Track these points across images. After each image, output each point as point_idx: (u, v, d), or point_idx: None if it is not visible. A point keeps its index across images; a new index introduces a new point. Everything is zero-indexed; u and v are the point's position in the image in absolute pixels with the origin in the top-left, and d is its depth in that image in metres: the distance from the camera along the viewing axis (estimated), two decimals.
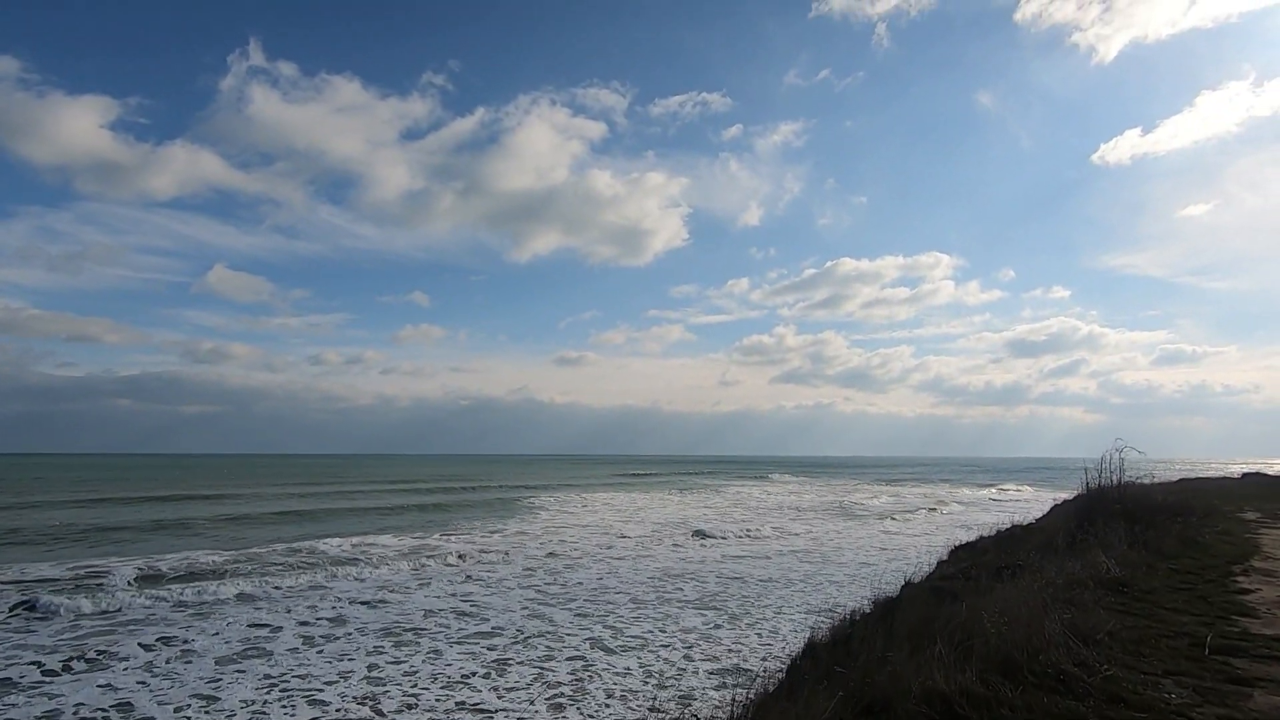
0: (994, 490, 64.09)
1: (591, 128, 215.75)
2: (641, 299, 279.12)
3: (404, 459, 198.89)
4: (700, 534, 28.60)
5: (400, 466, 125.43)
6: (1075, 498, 14.01)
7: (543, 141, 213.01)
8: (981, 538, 16.18)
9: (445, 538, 26.68)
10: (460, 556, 22.18)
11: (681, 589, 17.56)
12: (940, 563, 14.58)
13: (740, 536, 28.44)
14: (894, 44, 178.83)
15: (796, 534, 29.42)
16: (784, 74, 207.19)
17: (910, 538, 28.45)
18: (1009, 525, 15.66)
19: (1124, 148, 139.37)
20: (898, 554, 23.41)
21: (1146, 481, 13.64)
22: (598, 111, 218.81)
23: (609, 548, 24.86)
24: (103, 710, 9.06)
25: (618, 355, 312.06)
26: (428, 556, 21.84)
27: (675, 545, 25.91)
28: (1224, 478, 37.01)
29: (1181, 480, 33.72)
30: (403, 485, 64.03)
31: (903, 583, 10.71)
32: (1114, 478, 11.77)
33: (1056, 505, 19.18)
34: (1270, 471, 37.57)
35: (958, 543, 16.77)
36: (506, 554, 22.95)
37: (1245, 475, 35.63)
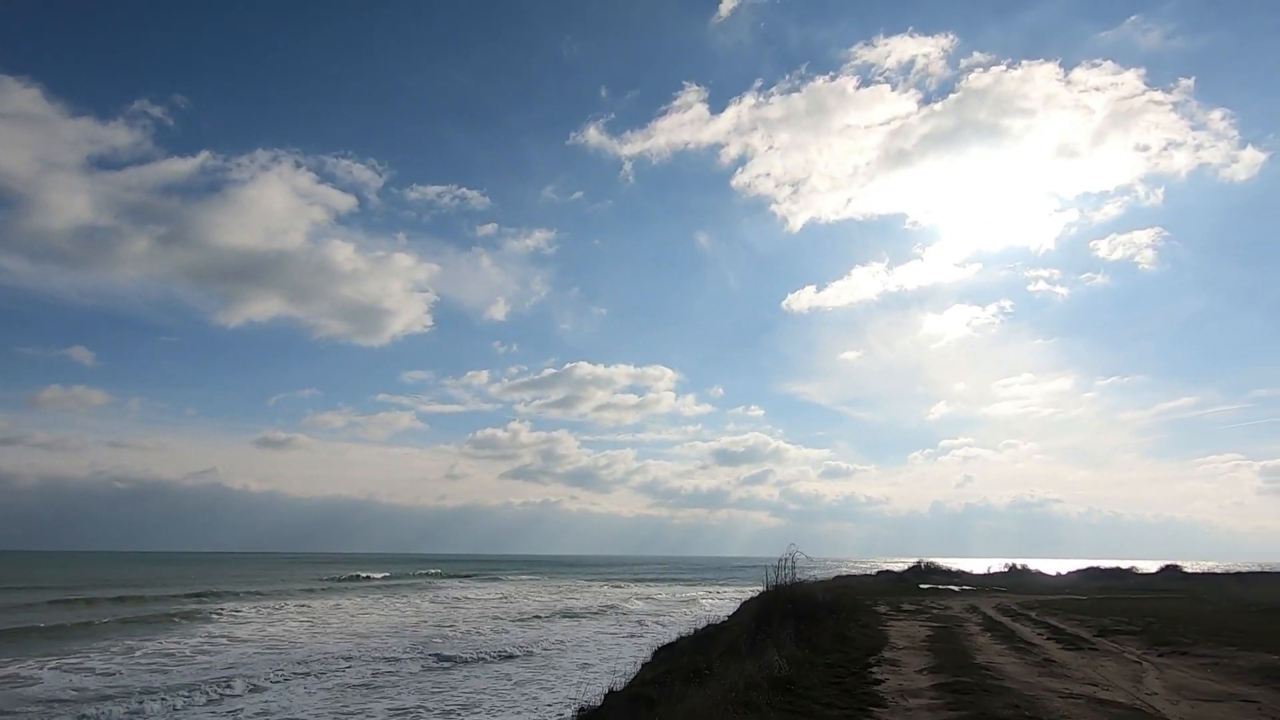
0: (698, 588, 69.31)
1: (339, 199, 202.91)
2: (370, 381, 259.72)
3: (18, 557, 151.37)
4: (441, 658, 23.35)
5: (11, 567, 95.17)
6: (758, 596, 15.65)
7: (278, 201, 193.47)
8: (681, 637, 17.15)
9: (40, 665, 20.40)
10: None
11: None
12: (645, 665, 15.02)
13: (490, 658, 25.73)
14: (638, 183, 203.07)
15: (530, 642, 28.30)
16: (542, 187, 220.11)
17: (623, 638, 29.09)
18: (704, 624, 16.88)
19: (804, 299, 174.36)
20: (613, 651, 23.74)
21: (814, 579, 15.92)
22: (349, 184, 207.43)
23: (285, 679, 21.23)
24: None
25: (335, 439, 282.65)
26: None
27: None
28: (865, 575, 44.71)
29: (837, 577, 39.97)
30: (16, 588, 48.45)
31: (606, 691, 10.75)
32: (788, 578, 13.44)
33: (745, 603, 21.29)
34: (894, 569, 46.29)
35: (660, 644, 17.56)
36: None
37: (879, 573, 43.49)
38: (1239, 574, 43.80)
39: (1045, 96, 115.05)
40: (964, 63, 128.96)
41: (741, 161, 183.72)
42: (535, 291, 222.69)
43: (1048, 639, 14.79)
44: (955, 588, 35.00)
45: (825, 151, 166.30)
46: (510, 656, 23.48)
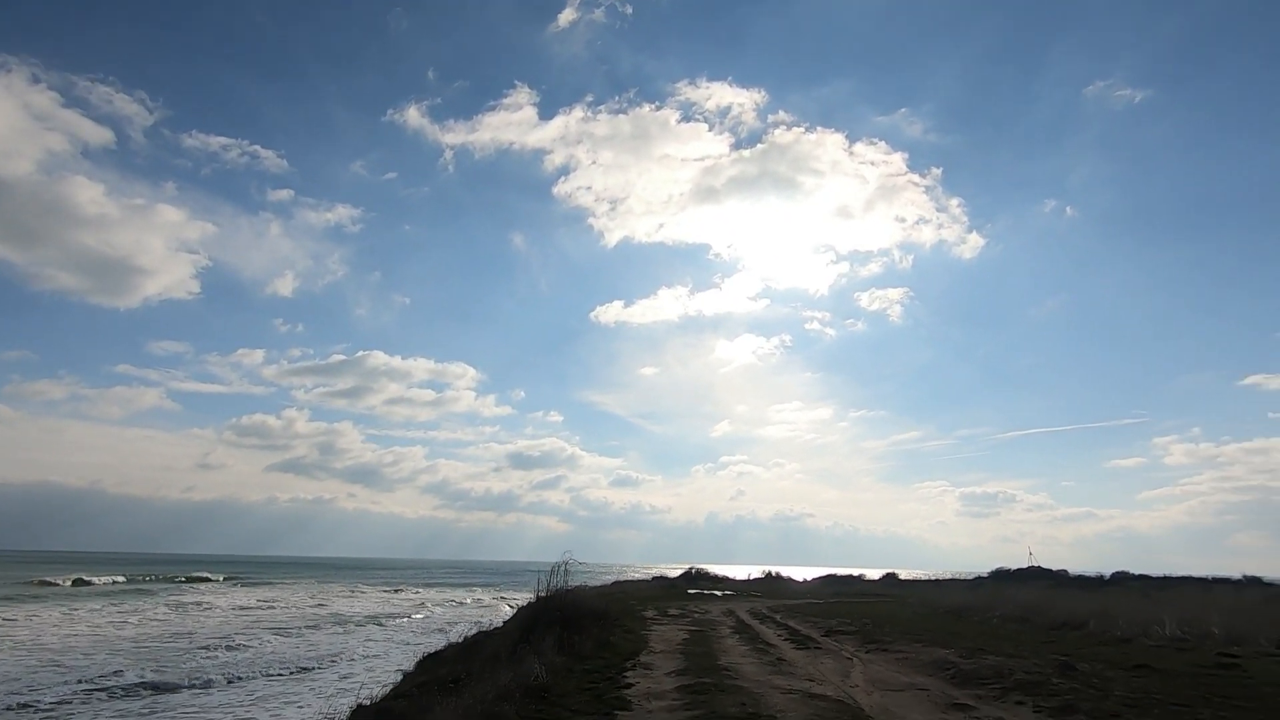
0: (479, 593, 67.76)
1: (91, 130, 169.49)
2: (108, 349, 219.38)
3: None
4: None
5: None
6: (529, 604, 15.73)
7: (2, 119, 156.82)
8: (450, 644, 16.69)
9: None
10: None
11: None
12: (406, 675, 14.37)
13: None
14: (458, 174, 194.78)
15: (281, 650, 25.44)
16: (351, 161, 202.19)
17: (394, 646, 27.52)
18: (475, 631, 16.58)
19: (611, 313, 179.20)
20: (381, 661, 22.34)
21: (587, 586, 16.40)
22: (107, 115, 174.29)
23: None
24: None
25: (50, 414, 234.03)
26: None
27: None
28: (642, 580, 46.92)
29: (616, 582, 41.50)
30: None
31: (354, 706, 10.12)
32: (559, 585, 13.69)
33: (521, 609, 21.29)
34: (669, 575, 49.16)
35: (427, 651, 16.93)
36: None
37: (655, 578, 45.89)
38: (936, 580, 52.85)
39: (832, 162, 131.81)
40: (771, 118, 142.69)
41: (565, 171, 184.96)
42: (331, 270, 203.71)
43: (785, 639, 16.64)
44: (719, 593, 38.05)
45: (645, 175, 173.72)
46: (267, 671, 21.12)
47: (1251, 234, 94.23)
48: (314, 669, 21.70)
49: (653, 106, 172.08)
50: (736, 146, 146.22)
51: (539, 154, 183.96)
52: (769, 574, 51.92)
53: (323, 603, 48.19)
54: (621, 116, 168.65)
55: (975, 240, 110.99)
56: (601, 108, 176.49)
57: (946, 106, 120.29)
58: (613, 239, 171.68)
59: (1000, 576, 48.67)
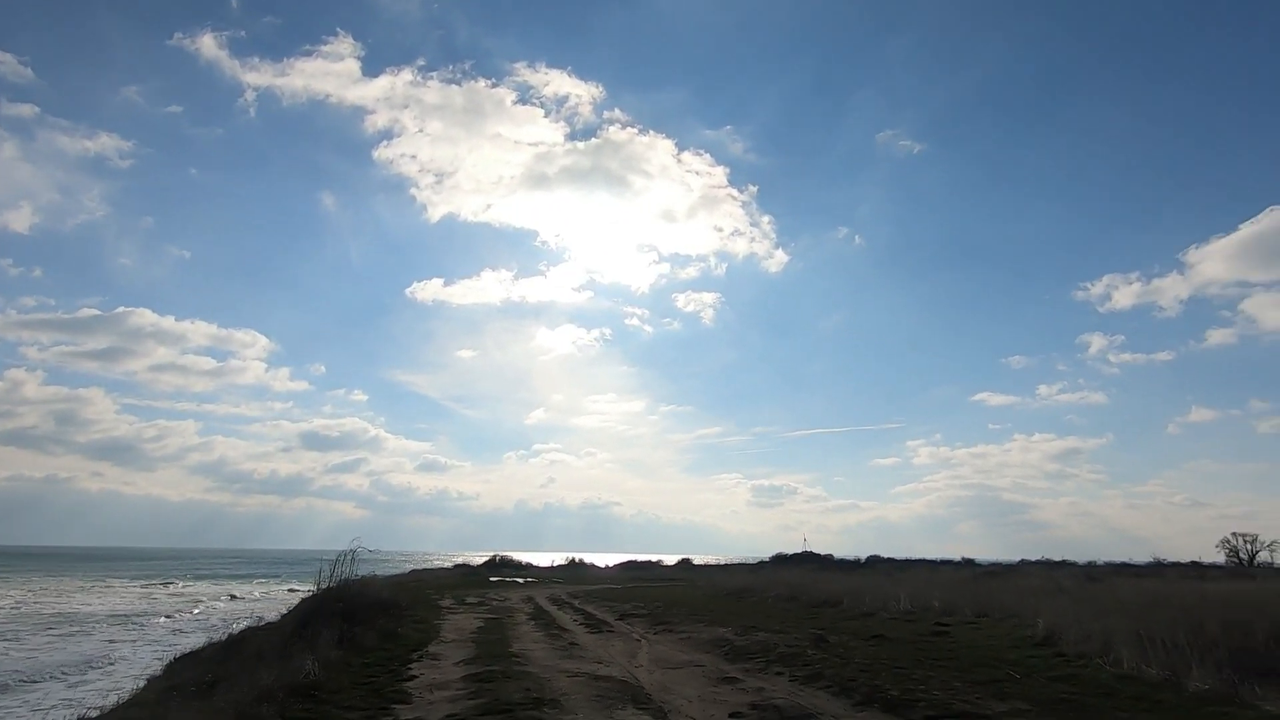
0: (252, 586, 61.33)
1: None
2: None
3: None
4: None
5: None
6: (310, 595, 14.60)
7: None
8: (210, 643, 14.95)
9: None
10: None
11: None
12: (151, 680, 12.66)
13: None
14: (261, 120, 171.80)
15: None
16: (123, 84, 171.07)
17: (143, 647, 23.95)
18: (243, 628, 15.03)
19: (430, 290, 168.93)
20: (124, 667, 19.31)
21: (386, 575, 15.55)
22: None
23: None
24: None
25: None
26: None
27: None
28: (442, 568, 45.51)
29: (413, 571, 39.82)
30: None
31: None
32: (345, 575, 12.84)
33: (301, 602, 19.63)
34: (472, 563, 48.20)
35: (182, 652, 15.05)
36: None
37: (457, 566, 44.72)
38: (724, 565, 57.35)
39: (661, 166, 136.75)
40: (607, 114, 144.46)
41: (388, 135, 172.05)
42: (87, 209, 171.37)
43: (580, 624, 17.08)
44: (521, 580, 38.03)
45: (475, 152, 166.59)
46: None
47: (991, 273, 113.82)
48: (36, 680, 18.28)
49: (489, 83, 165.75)
50: (571, 137, 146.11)
51: (359, 112, 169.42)
52: (573, 561, 52.92)
53: (53, 600, 40.74)
54: (454, 87, 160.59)
55: (781, 256, 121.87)
56: (433, 75, 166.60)
57: (765, 130, 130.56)
58: (436, 213, 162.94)
59: (779, 560, 53.96)
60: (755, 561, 57.18)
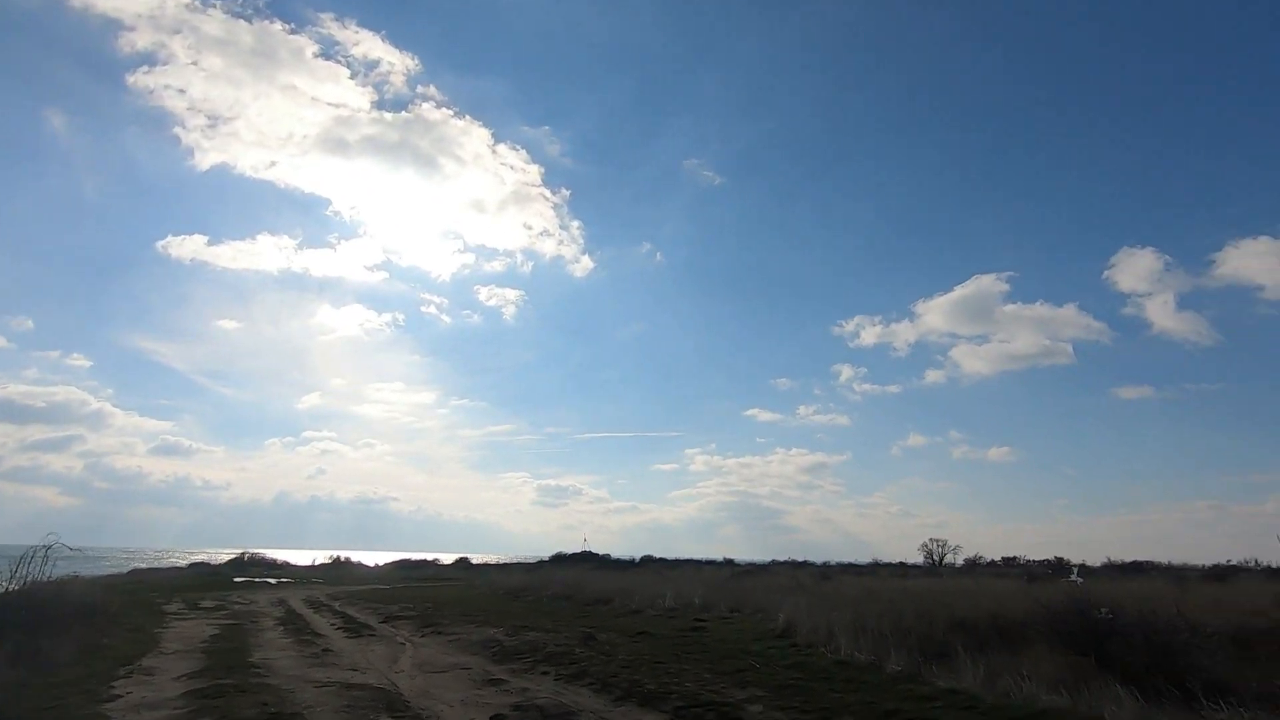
0: None
1: None
2: None
3: None
4: None
5: None
6: None
7: None
8: None
9: None
10: None
11: None
12: None
13: None
14: None
15: None
16: None
17: None
18: None
19: (189, 248, 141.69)
20: None
21: (95, 576, 12.97)
22: None
23: None
24: None
25: None
26: None
27: None
28: (174, 568, 39.44)
29: (135, 571, 33.96)
30: None
31: None
32: (33, 576, 10.54)
33: None
34: (215, 561, 42.45)
35: None
36: None
37: (192, 565, 39.03)
38: (503, 564, 56.79)
39: (475, 155, 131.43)
40: (421, 89, 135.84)
41: (150, 60, 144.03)
42: None
43: (338, 628, 15.78)
44: (273, 580, 34.24)
45: (262, 101, 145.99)
46: None
47: (769, 303, 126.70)
48: None
49: (287, 27, 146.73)
50: (379, 106, 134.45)
51: (114, 25, 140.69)
52: (337, 559, 48.83)
53: None
54: (243, 23, 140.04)
55: (587, 262, 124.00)
56: (217, 2, 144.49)
57: (583, 138, 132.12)
58: (206, 161, 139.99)
59: (558, 560, 54.61)
60: (535, 561, 57.34)
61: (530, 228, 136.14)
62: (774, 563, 53.42)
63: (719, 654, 11.41)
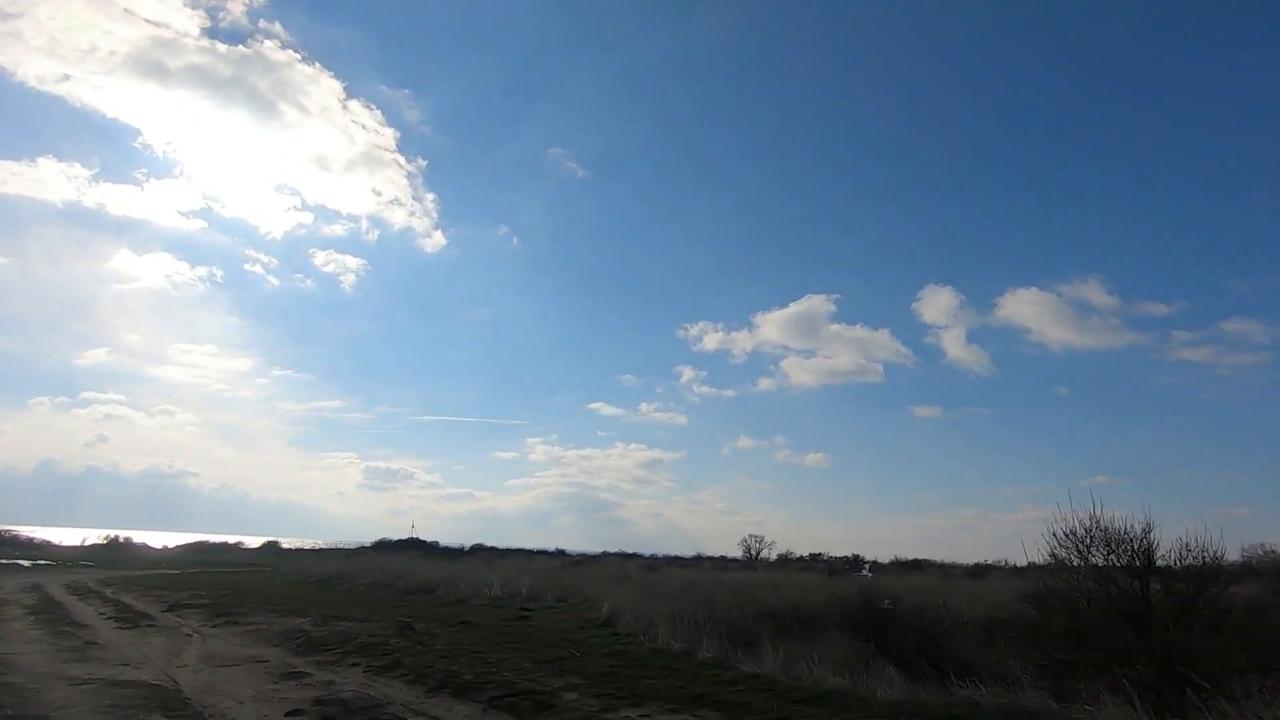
0: None
1: None
2: None
3: None
4: None
5: None
6: None
7: None
8: None
9: None
10: None
11: None
12: None
13: None
14: None
15: None
16: None
17: None
18: None
19: None
20: None
21: None
22: None
23: None
24: None
25: None
26: None
27: None
28: None
29: None
30: None
31: None
32: None
33: None
34: None
35: None
36: None
37: None
38: (318, 550, 52.96)
39: (323, 107, 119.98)
40: (265, 25, 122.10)
41: None
42: None
43: (109, 618, 13.88)
44: (27, 563, 29.35)
45: (56, 1, 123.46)
46: None
47: (622, 300, 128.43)
48: None
49: None
50: (212, 34, 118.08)
51: None
52: (115, 539, 42.73)
53: None
54: None
55: (439, 238, 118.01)
56: None
57: (447, 109, 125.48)
58: None
59: (381, 546, 51.85)
60: (356, 547, 53.97)
61: (380, 194, 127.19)
62: (605, 554, 54.54)
63: (541, 643, 11.44)
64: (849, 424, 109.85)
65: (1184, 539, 9.51)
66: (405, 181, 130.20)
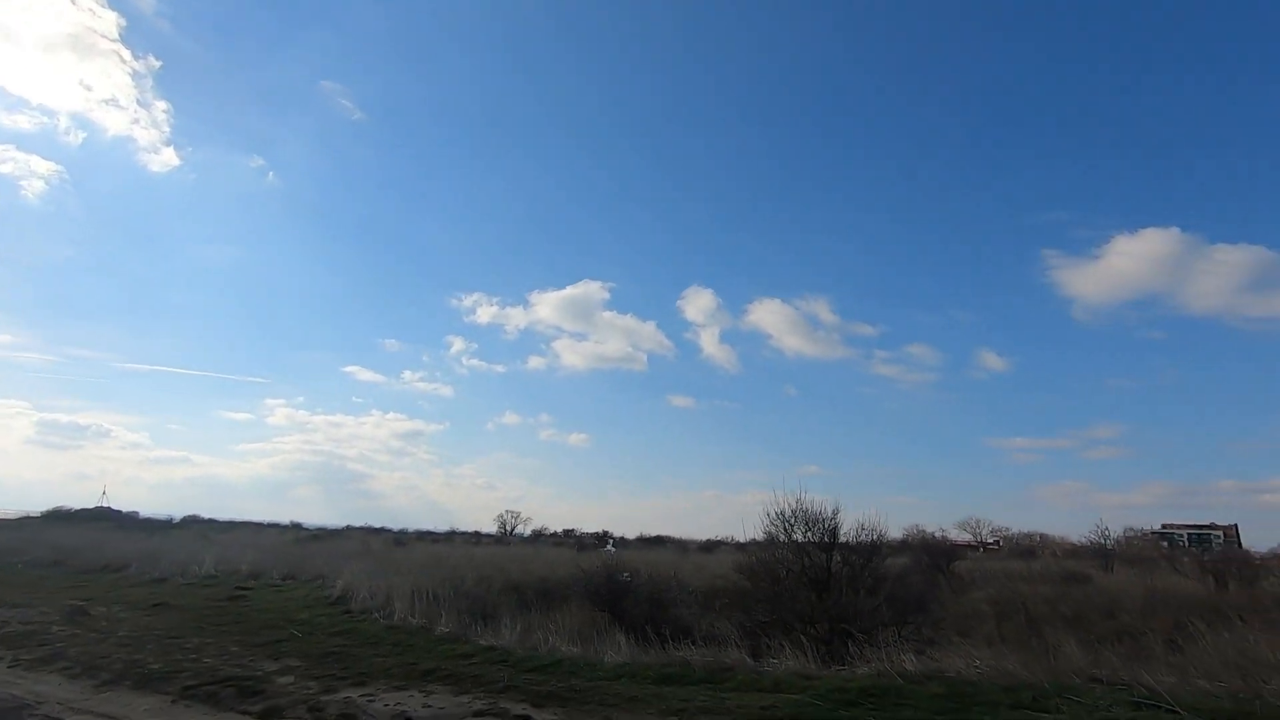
0: None
1: None
2: None
3: None
4: None
5: None
6: None
7: None
8: None
9: None
10: None
11: None
12: None
13: None
14: None
15: None
16: None
17: None
18: None
19: None
20: None
21: None
22: None
23: None
24: None
25: None
26: None
27: None
28: None
29: None
30: None
31: None
32: None
33: None
34: None
35: None
36: None
37: None
38: None
39: None
40: None
41: None
42: None
43: None
44: None
45: None
46: None
47: (391, 261, 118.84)
48: None
49: None
50: None
51: None
52: None
53: None
54: None
55: (170, 156, 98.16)
56: None
57: (196, 6, 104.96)
58: None
59: (55, 517, 42.78)
60: (19, 517, 43.71)
61: (90, 89, 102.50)
62: (349, 528, 50.85)
63: (257, 624, 10.33)
64: (612, 408, 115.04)
65: (861, 520, 11.57)
66: (129, 81, 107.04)
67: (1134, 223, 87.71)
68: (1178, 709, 5.03)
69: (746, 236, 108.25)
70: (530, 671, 7.40)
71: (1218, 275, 79.14)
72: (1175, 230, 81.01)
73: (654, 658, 7.76)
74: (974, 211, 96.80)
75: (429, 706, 6.08)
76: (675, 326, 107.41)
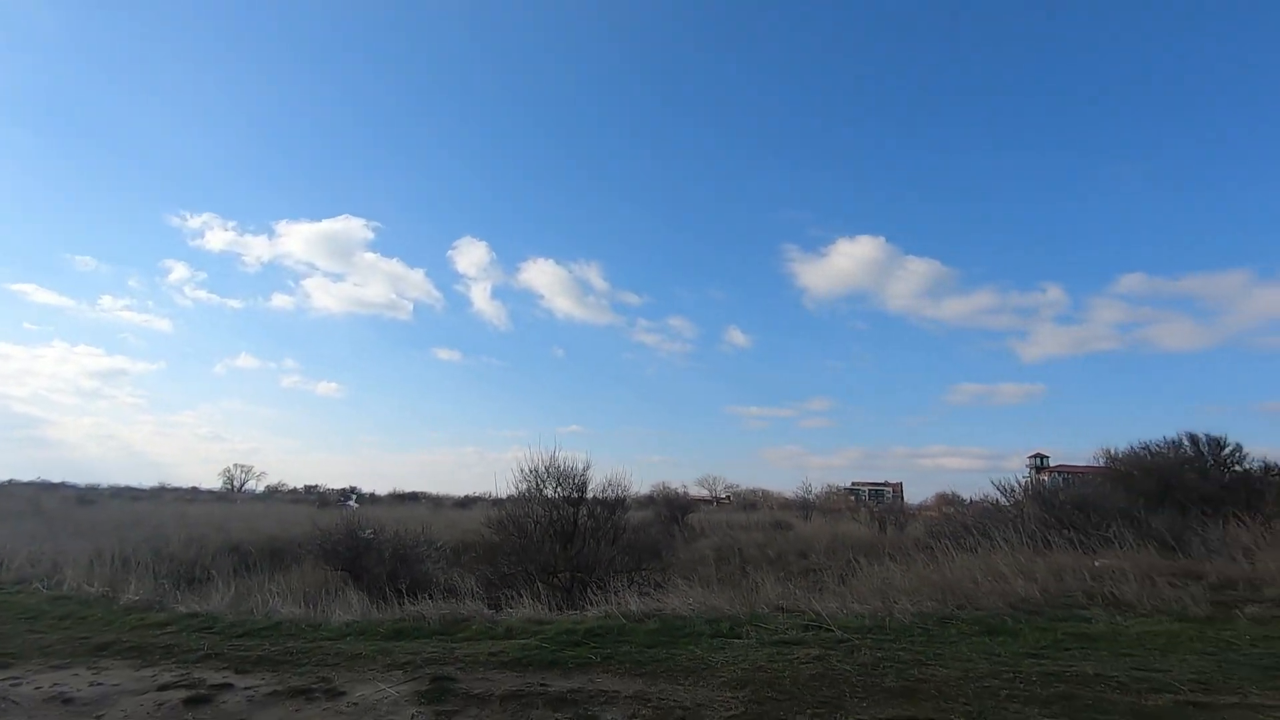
0: None
1: None
2: None
3: None
4: None
5: None
6: None
7: None
8: None
9: None
10: None
11: None
12: None
13: None
14: None
15: None
16: None
17: None
18: None
19: None
20: None
21: None
22: None
23: None
24: None
25: None
26: None
27: None
28: None
29: None
30: None
31: None
32: None
33: None
34: None
35: None
36: None
37: None
38: None
39: None
40: None
41: None
42: None
43: None
44: None
45: None
46: None
47: (86, 155, 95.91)
48: None
49: None
50: None
51: None
52: None
53: None
54: None
55: None
56: None
57: None
58: None
59: None
60: None
61: None
62: (12, 483, 41.28)
63: None
64: (370, 357, 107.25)
65: (609, 477, 12.27)
66: None
67: (854, 228, 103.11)
68: (833, 628, 6.17)
69: (525, 197, 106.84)
70: (240, 637, 6.71)
71: (907, 280, 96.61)
72: (882, 239, 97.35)
73: (388, 614, 7.50)
74: (732, 204, 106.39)
75: (99, 685, 5.22)
76: (445, 277, 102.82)
